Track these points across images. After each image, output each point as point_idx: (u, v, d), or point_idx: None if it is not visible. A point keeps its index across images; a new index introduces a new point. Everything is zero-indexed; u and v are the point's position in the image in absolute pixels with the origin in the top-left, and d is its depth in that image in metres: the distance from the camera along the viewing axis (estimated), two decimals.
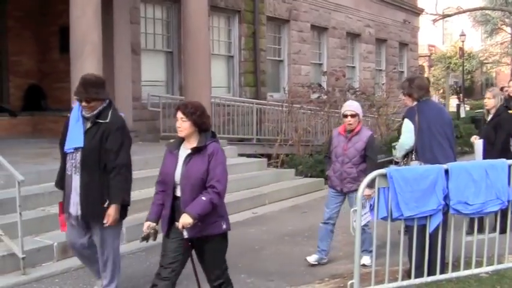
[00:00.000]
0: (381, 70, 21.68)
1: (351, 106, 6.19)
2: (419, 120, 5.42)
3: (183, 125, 4.21)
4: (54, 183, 5.28)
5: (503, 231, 5.64)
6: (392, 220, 4.70)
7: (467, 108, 27.29)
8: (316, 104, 14.19)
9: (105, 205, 4.78)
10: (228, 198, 9.00)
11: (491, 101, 7.11)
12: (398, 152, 5.60)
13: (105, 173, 4.81)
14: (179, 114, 4.22)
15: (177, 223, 4.17)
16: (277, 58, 16.44)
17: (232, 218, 8.37)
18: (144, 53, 12.10)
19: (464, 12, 26.13)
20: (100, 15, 8.69)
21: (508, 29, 33.57)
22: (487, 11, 31.31)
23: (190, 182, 4.16)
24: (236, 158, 10.85)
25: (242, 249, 6.89)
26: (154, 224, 4.37)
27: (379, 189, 4.61)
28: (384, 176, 4.63)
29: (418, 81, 5.63)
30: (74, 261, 6.26)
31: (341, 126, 6.31)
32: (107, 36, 9.82)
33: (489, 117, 7.19)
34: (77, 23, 8.48)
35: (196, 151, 4.19)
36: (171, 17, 12.83)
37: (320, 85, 15.56)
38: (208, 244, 4.26)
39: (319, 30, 18.15)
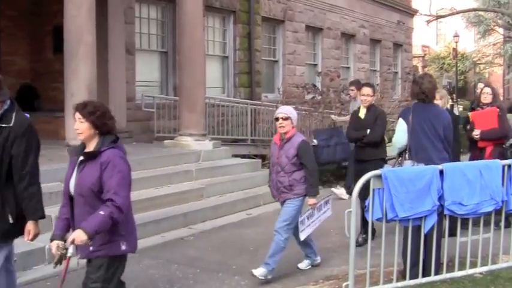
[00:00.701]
0: (375, 71, 21.71)
1: (283, 109, 5.99)
2: (413, 120, 5.42)
3: (81, 127, 3.76)
4: (47, 184, 5.18)
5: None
6: (387, 221, 4.69)
7: (461, 109, 27.33)
8: (311, 105, 14.17)
9: (11, 221, 4.18)
10: (222, 199, 9.11)
11: (438, 103, 6.78)
12: (391, 151, 5.67)
13: (8, 184, 4.18)
14: (77, 115, 3.78)
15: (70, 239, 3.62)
16: (272, 58, 16.43)
17: (227, 220, 8.46)
18: (139, 53, 12.06)
19: (457, 13, 26.18)
20: (94, 15, 8.65)
21: (500, 30, 33.65)
22: (480, 12, 31.37)
23: (81, 193, 3.70)
24: (230, 159, 10.83)
25: (236, 251, 6.89)
26: (63, 242, 3.81)
27: (373, 190, 4.61)
28: (379, 177, 4.62)
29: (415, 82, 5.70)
30: None
31: (276, 134, 5.97)
32: (102, 36, 9.79)
33: None
34: (71, 23, 8.44)
35: (89, 157, 3.70)
36: (166, 17, 12.79)
37: (315, 86, 15.55)
38: (100, 266, 3.72)
39: (314, 30, 18.16)
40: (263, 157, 12.30)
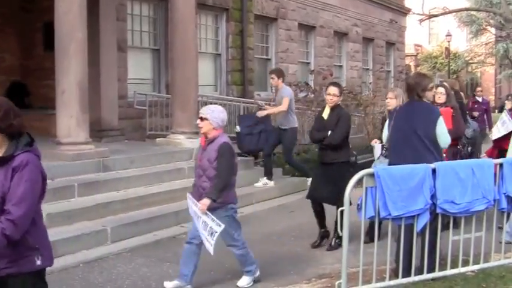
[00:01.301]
0: (368, 69, 21.75)
1: (203, 109, 5.47)
2: (395, 120, 5.46)
3: None
4: None
5: None
6: (380, 220, 4.68)
7: None
8: (304, 103, 14.17)
9: None
10: None
11: (393, 101, 6.82)
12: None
13: None
14: None
15: None
16: (264, 57, 16.41)
17: None
18: (131, 50, 11.99)
19: (450, 12, 26.28)
20: (86, 11, 8.59)
21: (492, 30, 33.82)
22: (472, 12, 31.49)
23: None
24: None
25: (228, 249, 6.85)
26: None
27: (366, 188, 4.60)
28: (372, 175, 4.61)
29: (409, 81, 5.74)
30: (58, 262, 6.11)
31: (202, 136, 5.47)
32: (93, 33, 9.72)
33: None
34: (62, 20, 8.37)
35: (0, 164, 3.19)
36: (158, 14, 12.74)
37: (307, 84, 15.56)
38: (14, 285, 3.23)
39: (307, 28, 18.15)
40: (255, 155, 12.28)
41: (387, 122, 5.95)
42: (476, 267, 5.30)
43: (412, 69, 39.71)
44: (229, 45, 14.49)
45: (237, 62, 14.64)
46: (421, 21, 22.29)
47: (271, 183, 10.06)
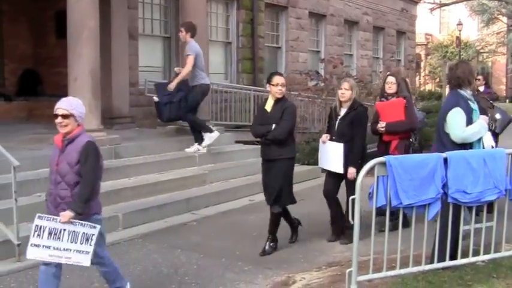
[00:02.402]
0: (378, 58, 21.68)
1: (63, 102, 4.48)
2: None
3: None
4: (48, 169, 5.13)
5: None
6: (392, 209, 4.70)
7: None
8: (314, 92, 14.15)
9: None
10: (225, 185, 9.14)
11: (347, 93, 6.44)
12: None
13: None
14: None
15: None
16: (275, 45, 16.38)
17: (229, 205, 8.48)
18: (142, 38, 12.02)
19: (461, 1, 26.10)
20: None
21: (504, 19, 33.52)
22: (483, 1, 31.24)
23: None
24: (233, 145, 10.84)
25: (239, 237, 6.91)
26: None
27: (378, 177, 4.61)
28: (383, 164, 4.62)
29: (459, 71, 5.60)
30: None
31: (58, 134, 4.53)
32: (105, 21, 9.75)
33: (342, 112, 6.53)
34: (74, 8, 8.40)
35: None
36: (169, 2, 12.74)
37: (317, 72, 15.53)
38: None
39: (317, 17, 18.08)
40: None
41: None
42: (486, 257, 5.30)
43: (423, 58, 39.51)
44: (240, 33, 14.47)
45: (247, 51, 14.63)
46: (432, 10, 22.19)
47: (203, 150, 9.47)
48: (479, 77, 12.63)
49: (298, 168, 10.93)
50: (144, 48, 12.08)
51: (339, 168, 6.43)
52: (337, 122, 6.52)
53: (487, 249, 5.28)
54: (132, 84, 11.30)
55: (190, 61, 9.19)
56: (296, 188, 9.83)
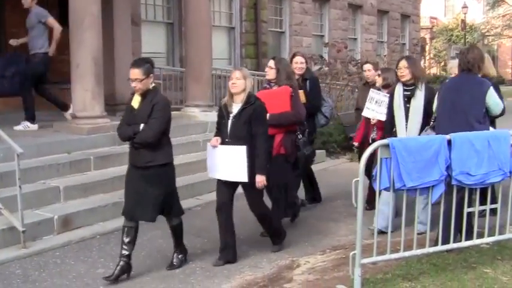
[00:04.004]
0: (382, 42, 21.55)
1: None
2: (443, 92, 5.82)
3: None
4: (53, 156, 5.16)
5: None
6: (395, 191, 4.68)
7: None
8: (318, 76, 14.08)
9: None
10: None
11: (240, 83, 5.38)
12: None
13: None
14: None
15: None
16: (278, 30, 16.29)
17: None
18: (145, 24, 11.98)
19: None
20: None
21: (510, 1, 33.23)
22: None
23: None
24: None
25: (243, 221, 6.88)
26: None
27: (381, 159, 4.59)
28: (386, 146, 4.60)
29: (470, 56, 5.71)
30: (75, 234, 6.30)
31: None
32: (107, 7, 9.70)
33: (236, 108, 5.41)
34: None
35: None
36: None
37: (321, 57, 15.45)
38: None
39: (321, 1, 17.97)
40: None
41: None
42: (491, 239, 5.29)
43: (428, 42, 39.27)
44: (243, 18, 14.40)
45: (250, 36, 14.57)
46: None
47: (33, 126, 8.57)
48: None
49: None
50: (147, 34, 12.04)
51: (242, 176, 5.32)
52: (230, 121, 5.39)
53: (492, 231, 5.26)
54: None
55: (54, 21, 8.85)
56: None
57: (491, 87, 5.57)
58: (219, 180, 5.53)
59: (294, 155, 6.29)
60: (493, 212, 5.26)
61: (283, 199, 6.32)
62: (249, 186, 5.41)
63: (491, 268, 4.97)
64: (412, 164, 4.62)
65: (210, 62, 10.95)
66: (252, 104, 5.37)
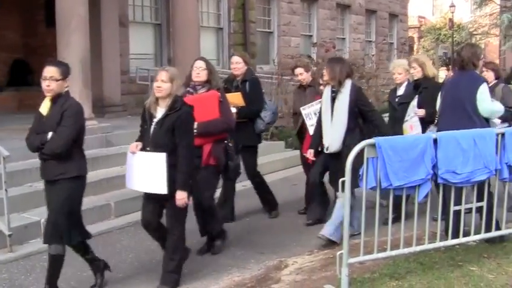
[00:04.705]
0: (370, 41, 21.63)
1: None
2: (445, 89, 5.95)
3: None
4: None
5: None
6: (382, 190, 4.70)
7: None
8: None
9: None
10: None
11: (165, 86, 4.75)
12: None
13: None
14: None
15: None
16: (267, 30, 16.31)
17: None
18: (132, 25, 11.96)
19: None
20: None
21: (497, 1, 33.44)
22: None
23: None
24: None
25: (232, 222, 6.90)
26: None
27: (367, 159, 4.60)
28: (373, 145, 4.61)
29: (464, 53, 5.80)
30: None
31: None
32: (94, 8, 9.68)
33: (160, 113, 4.81)
34: None
35: None
36: None
37: (310, 57, 15.46)
38: None
39: (309, 1, 18.00)
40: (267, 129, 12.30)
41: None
42: (477, 237, 5.32)
43: (416, 41, 39.43)
44: (231, 18, 14.41)
45: (239, 36, 14.57)
46: None
47: None
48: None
49: (291, 153, 10.96)
50: (135, 35, 12.02)
51: (161, 188, 4.70)
52: (152, 127, 4.80)
53: (478, 229, 5.29)
54: (123, 72, 11.26)
55: None
56: (289, 172, 9.95)
57: (484, 84, 5.67)
58: (145, 193, 4.93)
59: (224, 166, 5.77)
60: (490, 210, 5.29)
61: (216, 208, 5.91)
62: (170, 202, 4.73)
63: (477, 266, 4.99)
64: (398, 163, 4.63)
65: None
66: (177, 110, 4.72)
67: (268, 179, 9.36)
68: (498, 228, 5.40)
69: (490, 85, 6.74)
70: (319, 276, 5.03)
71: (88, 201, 6.92)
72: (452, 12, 36.51)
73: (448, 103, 5.75)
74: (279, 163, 10.18)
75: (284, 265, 5.46)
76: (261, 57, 15.70)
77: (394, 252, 4.87)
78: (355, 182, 5.69)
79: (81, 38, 8.38)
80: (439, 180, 4.89)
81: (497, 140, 5.12)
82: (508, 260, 5.13)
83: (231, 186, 6.95)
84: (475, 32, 36.93)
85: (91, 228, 6.46)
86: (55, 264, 4.69)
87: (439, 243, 5.09)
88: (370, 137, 4.85)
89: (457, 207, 5.12)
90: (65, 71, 4.66)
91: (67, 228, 4.62)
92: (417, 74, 6.81)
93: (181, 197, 4.68)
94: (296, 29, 17.03)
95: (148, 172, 4.72)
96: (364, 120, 6.20)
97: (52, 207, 4.63)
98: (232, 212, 7.00)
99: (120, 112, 10.71)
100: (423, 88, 6.69)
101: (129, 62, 11.65)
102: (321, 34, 18.08)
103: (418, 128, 6.54)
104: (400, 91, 7.04)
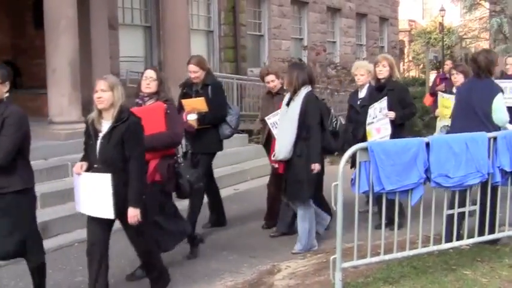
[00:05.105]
0: (361, 45, 21.66)
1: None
2: (458, 94, 6.11)
3: None
4: (32, 162, 4.95)
5: None
6: (374, 194, 4.67)
7: None
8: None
9: None
10: None
11: (106, 96, 4.34)
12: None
13: None
14: None
15: None
16: (257, 33, 16.29)
17: None
18: (122, 28, 11.89)
19: None
20: None
21: (486, 5, 33.64)
22: None
23: None
24: None
25: (224, 226, 6.86)
26: None
27: (360, 163, 4.57)
28: (365, 149, 4.59)
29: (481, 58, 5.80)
30: (52, 242, 6.21)
31: None
32: (83, 10, 9.61)
33: (105, 126, 4.38)
34: None
35: None
36: None
37: (300, 60, 15.46)
38: None
39: (300, 4, 18.01)
40: (249, 132, 12.28)
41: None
42: (470, 241, 5.31)
43: (406, 44, 39.60)
44: (222, 21, 14.37)
45: (229, 39, 14.54)
46: None
47: None
48: (448, 61, 11.95)
49: None
50: (125, 37, 11.95)
51: (107, 212, 4.30)
52: (99, 142, 4.37)
53: (471, 233, 5.28)
54: (114, 74, 11.15)
55: None
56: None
57: (500, 94, 5.68)
58: (89, 216, 4.47)
59: (172, 183, 5.27)
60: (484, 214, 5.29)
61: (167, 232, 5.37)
62: (125, 222, 4.40)
63: (471, 270, 4.98)
64: (391, 167, 4.61)
65: None
66: (125, 120, 4.32)
67: (259, 183, 9.38)
68: (492, 231, 5.38)
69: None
70: (313, 280, 5.00)
71: None
72: (442, 16, 36.72)
73: (462, 108, 5.79)
74: (270, 167, 10.11)
75: (277, 270, 5.42)
76: (252, 60, 15.68)
77: (387, 257, 4.84)
78: (308, 192, 5.76)
79: (69, 40, 8.32)
80: (432, 184, 4.88)
81: (489, 144, 5.12)
82: (501, 263, 5.13)
83: (215, 193, 6.86)
84: (465, 36, 37.14)
85: (82, 233, 6.42)
86: (38, 274, 4.54)
87: (432, 247, 5.07)
88: (350, 145, 4.80)
89: (450, 212, 5.11)
90: (4, 75, 4.32)
91: (35, 243, 4.44)
92: (384, 73, 6.54)
93: (133, 214, 4.29)
94: (287, 32, 17.03)
95: (93, 195, 4.31)
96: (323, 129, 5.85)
97: (6, 226, 4.23)
98: (223, 217, 6.94)
99: None
100: (388, 90, 6.48)
101: (119, 65, 11.58)
102: (312, 37, 18.08)
103: (387, 130, 6.28)
104: (362, 93, 6.90)
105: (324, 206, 6.28)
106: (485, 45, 40.48)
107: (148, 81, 5.30)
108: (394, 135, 6.04)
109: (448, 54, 40.07)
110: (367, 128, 6.52)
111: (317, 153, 5.78)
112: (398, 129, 6.41)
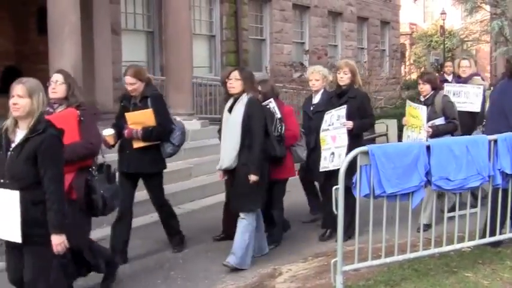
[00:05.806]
0: (362, 48, 21.70)
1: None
2: (493, 94, 6.18)
3: None
4: None
5: None
6: (375, 197, 4.69)
7: None
8: (299, 83, 14.16)
9: None
10: (210, 179, 9.07)
11: (24, 102, 3.73)
12: None
13: None
14: None
15: None
16: (259, 37, 16.34)
17: (215, 199, 8.46)
18: (125, 33, 11.94)
19: None
20: None
21: (487, 7, 33.62)
22: None
23: None
24: (217, 139, 10.78)
25: (220, 229, 6.88)
26: None
27: (360, 166, 4.60)
28: (366, 153, 4.61)
29: None
30: None
31: None
32: (86, 16, 9.67)
33: (19, 135, 3.81)
34: (54, 3, 8.32)
35: None
36: None
37: (302, 64, 15.54)
38: None
39: (301, 9, 18.06)
40: None
41: None
42: (472, 243, 5.33)
43: (408, 48, 39.60)
44: (224, 26, 14.42)
45: (231, 43, 14.59)
46: None
47: None
48: (448, 63, 11.73)
49: None
50: (128, 43, 12.00)
51: (14, 235, 3.69)
52: (9, 153, 3.77)
53: (472, 235, 5.30)
54: (116, 79, 11.21)
55: None
56: None
57: None
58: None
59: (86, 200, 4.58)
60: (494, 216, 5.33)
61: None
62: (28, 249, 3.77)
63: (472, 272, 5.00)
64: (391, 170, 4.64)
65: (191, 70, 10.96)
66: (41, 132, 3.71)
67: None
68: (493, 233, 5.40)
69: (427, 97, 6.48)
70: (314, 284, 5.02)
71: None
72: (444, 19, 36.73)
73: (493, 112, 5.86)
74: None
75: (278, 273, 5.44)
76: (254, 65, 15.71)
77: (388, 259, 4.87)
78: (254, 203, 5.52)
79: (73, 45, 8.36)
80: (433, 187, 4.90)
81: (490, 147, 5.14)
82: (502, 265, 5.14)
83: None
84: (466, 39, 37.10)
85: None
86: None
87: (433, 250, 5.09)
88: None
89: (451, 214, 5.13)
90: None
91: None
92: (345, 80, 6.22)
93: (57, 241, 3.69)
94: (288, 36, 17.07)
95: (2, 214, 3.70)
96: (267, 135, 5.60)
97: None
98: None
99: (112, 119, 10.63)
100: (349, 98, 6.15)
101: (121, 70, 11.58)
102: (313, 41, 18.13)
103: (344, 141, 5.89)
104: (316, 99, 6.62)
105: (273, 225, 6.09)
106: (486, 47, 40.54)
107: (54, 86, 4.68)
108: (351, 147, 5.47)
109: (449, 57, 40.06)
110: (321, 134, 6.21)
111: (257, 161, 5.42)
112: (355, 140, 5.93)
